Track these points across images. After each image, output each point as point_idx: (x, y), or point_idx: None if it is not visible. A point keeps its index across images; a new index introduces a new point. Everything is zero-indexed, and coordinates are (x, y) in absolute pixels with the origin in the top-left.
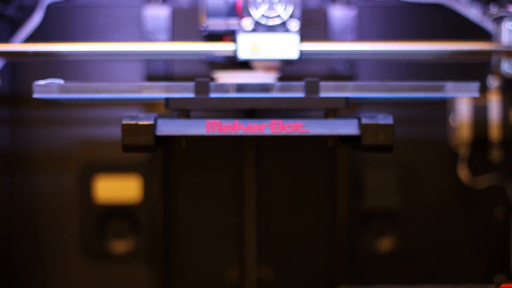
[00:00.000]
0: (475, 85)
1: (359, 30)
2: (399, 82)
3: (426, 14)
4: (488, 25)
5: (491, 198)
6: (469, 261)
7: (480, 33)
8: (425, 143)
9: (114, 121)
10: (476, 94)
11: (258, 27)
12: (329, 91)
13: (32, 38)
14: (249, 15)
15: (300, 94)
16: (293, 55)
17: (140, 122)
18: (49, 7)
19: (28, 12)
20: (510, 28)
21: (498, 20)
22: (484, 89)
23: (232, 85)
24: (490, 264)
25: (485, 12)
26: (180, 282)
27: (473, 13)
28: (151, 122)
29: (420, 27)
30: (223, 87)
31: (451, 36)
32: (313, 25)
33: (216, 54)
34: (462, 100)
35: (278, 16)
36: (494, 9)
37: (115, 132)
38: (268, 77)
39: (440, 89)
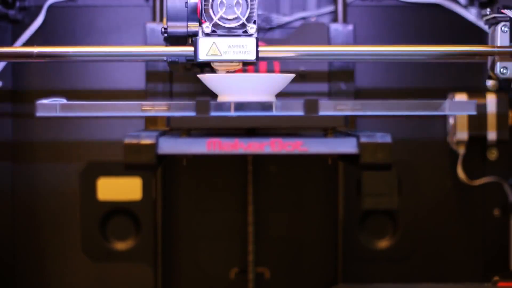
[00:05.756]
0: (472, 103)
1: (357, 29)
2: (397, 100)
3: (423, 13)
4: (484, 25)
5: (490, 197)
6: (467, 260)
7: (477, 33)
8: (423, 142)
9: (116, 120)
10: (474, 112)
11: (217, 29)
12: (328, 109)
13: (35, 39)
14: (209, 18)
15: (300, 113)
16: (251, 57)
17: (142, 142)
18: (51, 7)
19: (30, 13)
20: (504, 30)
21: (493, 22)
22: (482, 89)
23: (232, 103)
24: (488, 263)
25: (480, 14)
26: (180, 282)
27: (470, 12)
28: (153, 141)
29: (417, 26)
30: (223, 106)
31: (448, 35)
32: (315, 37)
33: (177, 56)
34: (462, 99)
35: (237, 18)
36: (488, 11)
37: (117, 131)
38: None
39: (438, 107)
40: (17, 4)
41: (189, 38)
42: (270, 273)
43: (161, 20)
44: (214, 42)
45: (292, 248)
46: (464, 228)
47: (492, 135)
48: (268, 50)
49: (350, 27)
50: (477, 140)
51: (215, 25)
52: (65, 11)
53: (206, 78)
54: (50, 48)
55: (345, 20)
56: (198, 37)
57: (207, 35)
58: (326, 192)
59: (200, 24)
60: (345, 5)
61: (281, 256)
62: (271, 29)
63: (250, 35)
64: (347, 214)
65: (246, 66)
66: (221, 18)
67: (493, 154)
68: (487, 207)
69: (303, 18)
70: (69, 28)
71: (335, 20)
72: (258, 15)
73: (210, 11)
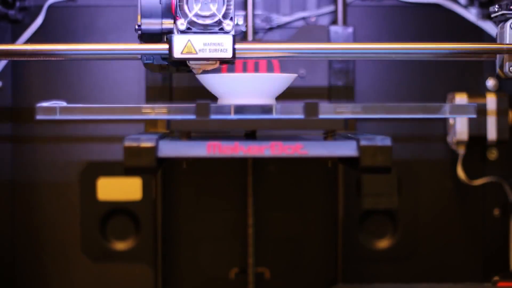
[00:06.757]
0: (473, 106)
1: (356, 29)
2: (397, 104)
3: (423, 14)
4: (485, 25)
5: (490, 197)
6: (467, 260)
7: (477, 33)
8: (423, 142)
9: (116, 120)
10: (474, 115)
11: (192, 26)
12: (328, 112)
13: (35, 39)
14: (184, 14)
15: (300, 116)
16: (228, 55)
17: (142, 145)
18: (51, 7)
19: (30, 12)
20: None
21: (501, 19)
22: (483, 89)
23: (232, 106)
24: (488, 263)
25: (486, 12)
26: (180, 282)
27: (470, 12)
28: (153, 144)
29: (417, 26)
30: (223, 109)
31: (448, 35)
32: (314, 39)
33: (150, 54)
34: (462, 99)
35: (213, 15)
36: (497, 8)
37: (117, 131)
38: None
39: (438, 110)
40: (17, 4)
41: (163, 36)
42: (270, 273)
43: None
44: (189, 40)
45: (292, 248)
46: (464, 228)
47: (492, 135)
48: (245, 48)
49: (350, 29)
50: (477, 140)
51: (190, 22)
52: (65, 11)
53: (205, 78)
54: (43, 45)
55: (345, 21)
56: (172, 35)
57: (182, 32)
58: (326, 192)
59: (175, 21)
60: (345, 5)
61: (281, 256)
62: (271, 29)
63: (226, 32)
64: (347, 214)
65: (223, 64)
66: (196, 14)
67: (493, 154)
68: (487, 207)
69: (303, 18)
70: (69, 28)
71: (335, 20)
72: (258, 15)
73: (185, 7)
